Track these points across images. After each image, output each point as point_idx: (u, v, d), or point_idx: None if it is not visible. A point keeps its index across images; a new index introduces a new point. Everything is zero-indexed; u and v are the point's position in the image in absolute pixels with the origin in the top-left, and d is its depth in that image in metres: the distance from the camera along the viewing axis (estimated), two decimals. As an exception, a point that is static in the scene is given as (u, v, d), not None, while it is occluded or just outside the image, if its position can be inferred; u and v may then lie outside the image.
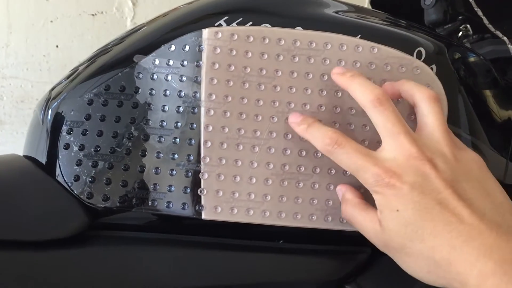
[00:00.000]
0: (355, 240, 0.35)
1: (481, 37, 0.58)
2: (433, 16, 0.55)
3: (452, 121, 0.39)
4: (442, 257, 0.30)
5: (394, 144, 0.33)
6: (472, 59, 0.46)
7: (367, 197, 0.35)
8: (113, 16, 1.13)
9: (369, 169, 0.32)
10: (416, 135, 0.34)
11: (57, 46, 1.11)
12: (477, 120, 0.43)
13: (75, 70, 0.42)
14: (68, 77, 0.42)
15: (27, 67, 1.11)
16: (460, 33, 0.57)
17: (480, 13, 0.54)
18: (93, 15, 1.12)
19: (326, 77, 0.37)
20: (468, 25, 0.57)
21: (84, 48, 1.11)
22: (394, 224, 0.32)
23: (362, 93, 0.34)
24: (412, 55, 0.39)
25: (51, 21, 1.10)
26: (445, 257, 0.30)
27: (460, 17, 0.57)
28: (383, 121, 0.33)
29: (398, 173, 0.32)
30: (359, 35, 0.39)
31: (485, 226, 0.30)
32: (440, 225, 0.30)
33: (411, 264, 0.32)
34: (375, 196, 0.33)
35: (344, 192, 0.37)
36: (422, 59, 0.40)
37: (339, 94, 0.37)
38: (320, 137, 0.35)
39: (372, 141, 0.38)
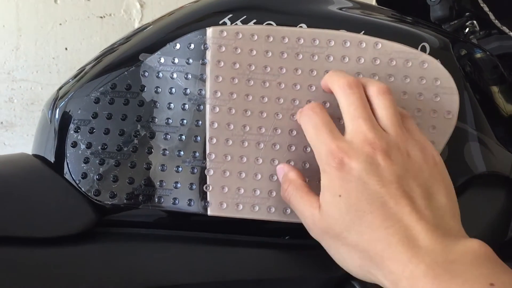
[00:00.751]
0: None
1: (487, 33, 0.58)
2: (439, 12, 0.55)
3: (458, 116, 0.39)
4: (376, 252, 0.30)
5: (353, 127, 0.32)
6: (478, 55, 0.46)
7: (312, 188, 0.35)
8: (121, 18, 1.14)
9: (326, 144, 0.32)
10: (376, 123, 0.33)
11: (66, 49, 1.12)
12: (483, 116, 0.43)
13: (82, 69, 0.43)
14: (75, 76, 0.43)
15: (36, 70, 1.12)
16: (467, 29, 0.56)
17: (486, 9, 0.54)
18: (101, 17, 1.13)
19: None
20: (475, 21, 0.56)
21: (92, 50, 1.12)
22: (334, 210, 0.31)
23: (336, 80, 0.34)
24: None
25: (60, 24, 1.12)
26: (379, 253, 0.30)
27: (466, 13, 0.57)
28: (347, 104, 0.33)
29: (350, 154, 0.31)
30: (363, 31, 0.39)
31: (421, 227, 0.29)
32: (379, 219, 0.30)
33: (345, 255, 0.32)
34: (322, 176, 0.32)
35: (286, 171, 0.36)
36: (427, 54, 0.40)
37: None
38: (304, 108, 0.35)
39: None
